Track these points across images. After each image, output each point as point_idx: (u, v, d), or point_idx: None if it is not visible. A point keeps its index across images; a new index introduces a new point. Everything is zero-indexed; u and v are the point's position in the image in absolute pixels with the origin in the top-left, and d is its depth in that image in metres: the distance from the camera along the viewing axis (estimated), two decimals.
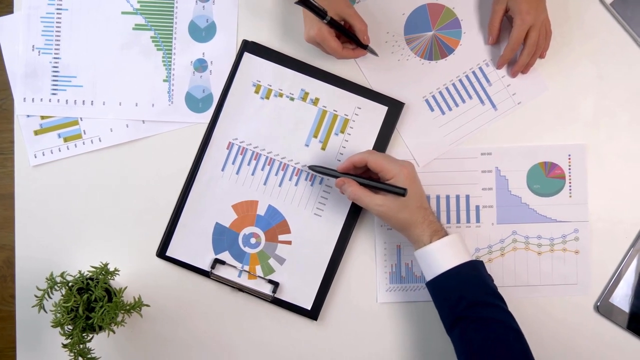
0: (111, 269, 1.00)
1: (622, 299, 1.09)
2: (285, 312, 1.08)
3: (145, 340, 1.08)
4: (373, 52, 1.09)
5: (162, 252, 1.08)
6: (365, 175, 1.03)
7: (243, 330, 1.08)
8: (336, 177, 1.03)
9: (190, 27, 1.09)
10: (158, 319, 1.08)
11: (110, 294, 0.99)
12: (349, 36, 1.06)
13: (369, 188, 1.00)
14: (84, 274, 0.99)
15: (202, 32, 1.10)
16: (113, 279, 1.01)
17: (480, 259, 1.00)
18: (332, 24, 1.02)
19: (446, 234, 0.99)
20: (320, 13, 1.01)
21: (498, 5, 1.08)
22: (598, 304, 1.09)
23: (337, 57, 1.07)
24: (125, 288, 1.01)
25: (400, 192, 0.97)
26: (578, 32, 1.13)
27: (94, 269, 0.99)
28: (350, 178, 1.01)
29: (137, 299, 1.00)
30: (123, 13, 1.09)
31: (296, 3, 1.00)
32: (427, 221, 0.99)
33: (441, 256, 0.97)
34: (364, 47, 1.07)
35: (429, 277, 0.98)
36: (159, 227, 1.08)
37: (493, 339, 0.93)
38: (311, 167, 1.06)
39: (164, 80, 1.09)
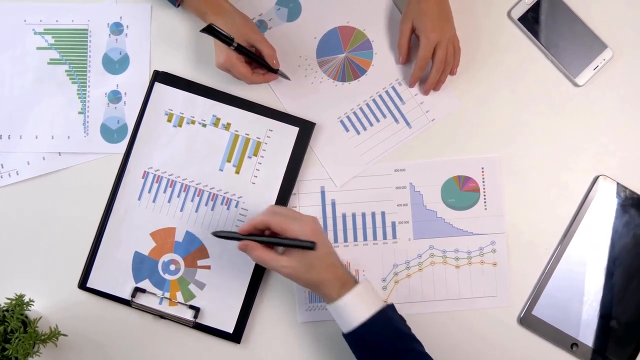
0: (27, 300, 1.00)
1: (544, 310, 1.08)
2: (208, 337, 1.08)
3: None
4: (284, 76, 1.11)
5: (83, 284, 1.08)
6: (270, 234, 0.98)
7: (166, 357, 1.08)
8: (239, 239, 0.97)
9: (104, 59, 1.12)
10: (81, 349, 1.07)
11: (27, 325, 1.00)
12: (259, 61, 1.08)
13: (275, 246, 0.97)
14: (0, 306, 1.00)
15: (116, 64, 1.12)
16: (29, 310, 1.01)
17: (391, 303, 0.97)
18: (240, 50, 1.05)
19: (355, 283, 0.95)
20: (227, 40, 1.03)
21: (404, 25, 1.10)
22: (521, 316, 1.09)
23: (247, 83, 1.09)
24: (40, 318, 1.01)
25: (308, 245, 0.92)
26: (489, 47, 1.15)
27: (9, 301, 1.00)
28: (253, 239, 0.96)
29: (53, 329, 1.01)
30: (38, 48, 1.11)
31: (201, 31, 1.03)
32: (336, 277, 0.95)
33: (352, 309, 0.94)
34: (275, 71, 1.09)
35: (345, 329, 0.95)
36: (80, 258, 1.09)
37: None
38: (214, 234, 0.99)
39: (79, 113, 1.11)
